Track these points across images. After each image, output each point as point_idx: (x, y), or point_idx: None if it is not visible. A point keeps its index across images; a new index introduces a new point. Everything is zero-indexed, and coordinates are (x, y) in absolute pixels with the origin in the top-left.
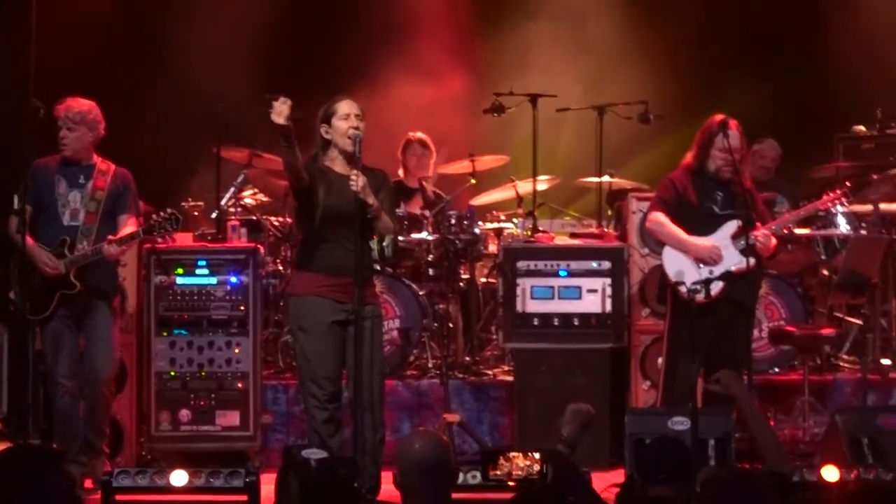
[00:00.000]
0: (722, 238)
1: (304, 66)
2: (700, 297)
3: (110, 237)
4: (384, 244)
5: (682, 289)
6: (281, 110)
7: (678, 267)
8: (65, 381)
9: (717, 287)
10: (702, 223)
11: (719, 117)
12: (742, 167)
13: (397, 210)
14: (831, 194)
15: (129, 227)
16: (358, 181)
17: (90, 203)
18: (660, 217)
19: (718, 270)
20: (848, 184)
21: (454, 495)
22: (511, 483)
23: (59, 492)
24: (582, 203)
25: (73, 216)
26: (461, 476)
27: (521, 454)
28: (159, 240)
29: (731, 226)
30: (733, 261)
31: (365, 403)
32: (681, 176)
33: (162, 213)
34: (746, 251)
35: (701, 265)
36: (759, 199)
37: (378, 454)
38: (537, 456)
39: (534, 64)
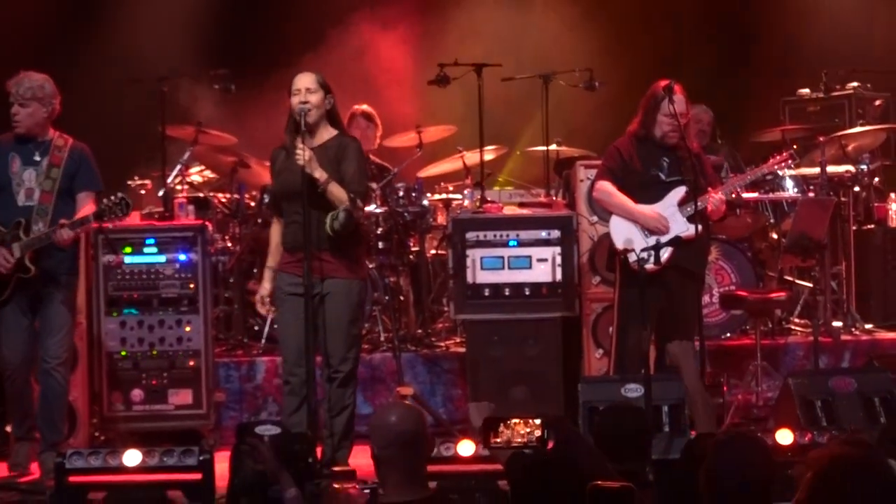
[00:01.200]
0: (669, 205)
1: (248, 39)
2: (649, 265)
3: (62, 221)
4: (332, 217)
5: (631, 257)
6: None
7: (626, 235)
8: (13, 362)
9: (665, 254)
10: (648, 190)
11: (664, 82)
12: (688, 132)
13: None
14: (777, 157)
15: (88, 205)
16: (304, 154)
17: (45, 181)
18: (606, 186)
19: (666, 238)
20: (795, 146)
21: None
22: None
23: None
24: (529, 172)
25: (28, 196)
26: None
27: (521, 421)
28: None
29: (678, 192)
30: (680, 228)
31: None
32: (626, 143)
33: (112, 198)
34: (694, 218)
35: (647, 234)
36: (707, 163)
37: (339, 425)
38: (538, 422)
39: (478, 33)
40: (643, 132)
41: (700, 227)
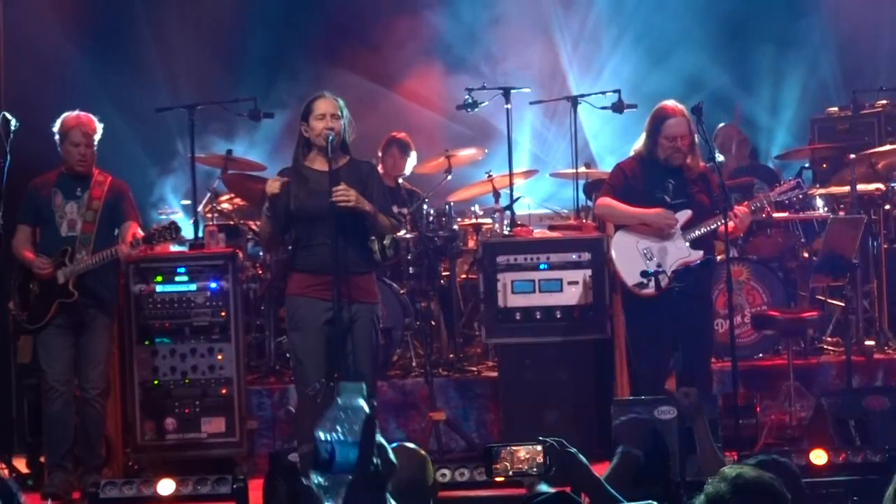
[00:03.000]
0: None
1: (276, 67)
2: (648, 290)
3: (128, 238)
4: (385, 244)
5: (630, 282)
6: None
7: (625, 259)
8: (58, 386)
9: (664, 279)
10: None
11: (666, 104)
12: (693, 153)
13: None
14: (784, 185)
15: (133, 230)
16: (349, 196)
17: (87, 213)
18: (607, 200)
19: (667, 264)
20: (824, 165)
21: (444, 494)
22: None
23: None
24: (559, 195)
25: (71, 227)
26: (449, 474)
27: (521, 447)
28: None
29: (682, 216)
30: (683, 254)
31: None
32: (631, 163)
33: (162, 224)
34: (697, 242)
35: (649, 257)
36: (714, 183)
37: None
38: (539, 448)
39: (505, 58)
40: (647, 153)
41: (701, 252)
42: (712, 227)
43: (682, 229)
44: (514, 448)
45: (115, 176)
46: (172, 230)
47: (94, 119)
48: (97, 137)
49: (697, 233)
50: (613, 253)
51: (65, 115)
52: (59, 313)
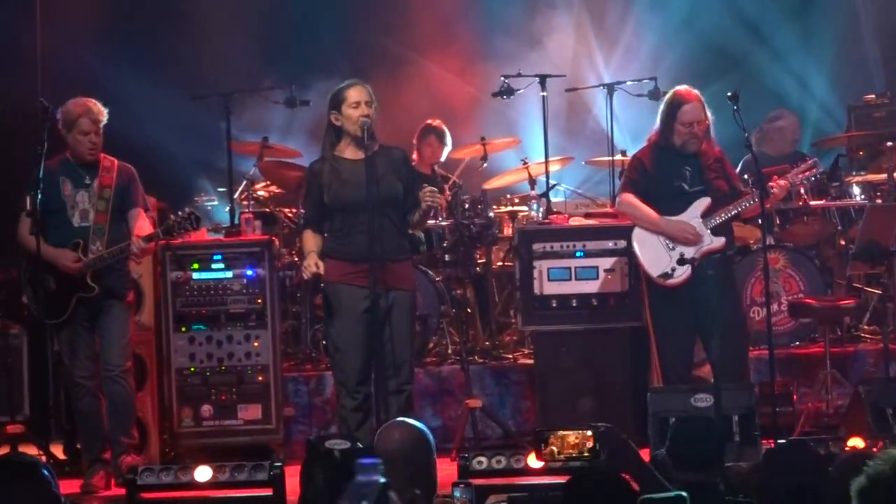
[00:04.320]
0: (692, 217)
1: (312, 50)
2: (672, 280)
3: (138, 234)
4: (436, 235)
5: (654, 273)
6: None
7: (648, 251)
8: (84, 382)
9: (686, 270)
10: (671, 201)
11: (679, 89)
12: (709, 137)
13: None
14: (802, 165)
15: (140, 219)
16: (436, 197)
17: (99, 202)
18: (630, 198)
19: (689, 252)
20: (861, 153)
21: (477, 481)
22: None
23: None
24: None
25: (84, 217)
26: (485, 461)
27: (572, 432)
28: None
29: (702, 203)
30: (706, 241)
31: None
32: (647, 153)
33: (180, 213)
34: (718, 228)
35: (671, 247)
36: (731, 168)
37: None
38: (589, 433)
39: (542, 43)
40: (663, 141)
41: (723, 239)
42: (733, 212)
43: (701, 217)
44: (564, 433)
45: (132, 160)
46: (192, 220)
47: (99, 104)
48: (104, 122)
49: (718, 219)
50: (636, 245)
51: (69, 102)
52: (78, 308)
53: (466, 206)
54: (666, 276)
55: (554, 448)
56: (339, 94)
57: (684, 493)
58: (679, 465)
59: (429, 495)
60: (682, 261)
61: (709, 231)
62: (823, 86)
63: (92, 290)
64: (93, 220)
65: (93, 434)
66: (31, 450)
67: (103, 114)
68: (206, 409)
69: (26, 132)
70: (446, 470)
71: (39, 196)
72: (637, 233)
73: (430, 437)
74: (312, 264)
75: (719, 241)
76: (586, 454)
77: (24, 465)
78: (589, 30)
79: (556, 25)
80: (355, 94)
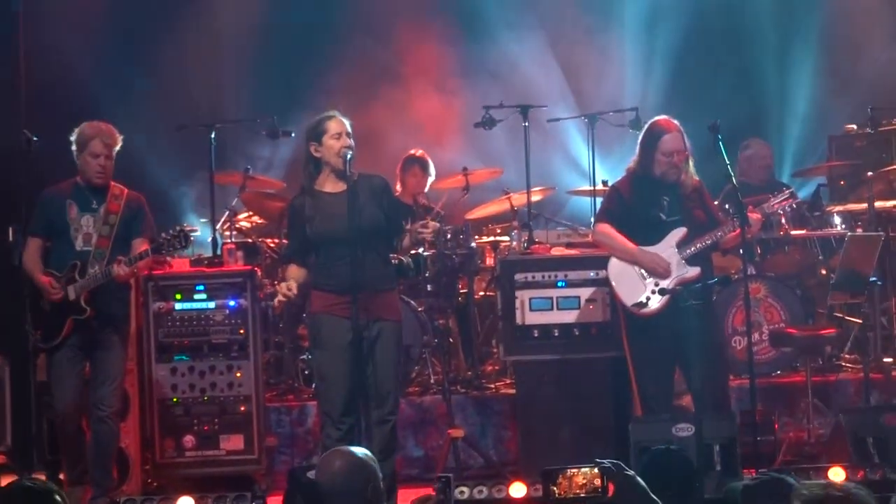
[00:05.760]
0: (667, 247)
1: (294, 81)
2: (646, 309)
3: (119, 257)
4: (422, 261)
5: (628, 302)
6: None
7: (623, 280)
8: (69, 412)
9: (658, 302)
10: (648, 231)
11: (659, 119)
12: (687, 168)
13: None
14: (779, 195)
15: (142, 247)
16: (427, 232)
17: (103, 227)
18: (606, 228)
19: (664, 282)
20: (842, 182)
21: None
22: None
23: None
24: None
25: (86, 241)
26: (467, 491)
27: (578, 470)
28: (168, 258)
29: (678, 234)
30: (681, 270)
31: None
32: (626, 183)
33: (171, 231)
34: (694, 259)
35: (646, 277)
36: (708, 198)
37: (388, 468)
38: (596, 471)
39: (521, 75)
40: (641, 171)
41: (698, 269)
42: (709, 242)
43: (677, 246)
44: (571, 472)
45: (132, 188)
46: (182, 238)
47: (114, 129)
48: (117, 149)
49: (693, 249)
50: (611, 275)
51: (83, 124)
52: (73, 332)
53: (449, 236)
54: (640, 305)
55: (563, 488)
56: (318, 125)
57: None
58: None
59: None
60: (658, 290)
61: (683, 261)
62: (804, 115)
63: (84, 311)
64: (95, 244)
65: (75, 457)
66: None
67: (116, 139)
68: (189, 439)
69: (13, 165)
70: None
71: (43, 218)
72: (612, 263)
73: (372, 463)
74: (284, 287)
75: (694, 271)
76: (594, 492)
77: (39, 492)
78: (570, 60)
79: (539, 56)
80: (336, 125)
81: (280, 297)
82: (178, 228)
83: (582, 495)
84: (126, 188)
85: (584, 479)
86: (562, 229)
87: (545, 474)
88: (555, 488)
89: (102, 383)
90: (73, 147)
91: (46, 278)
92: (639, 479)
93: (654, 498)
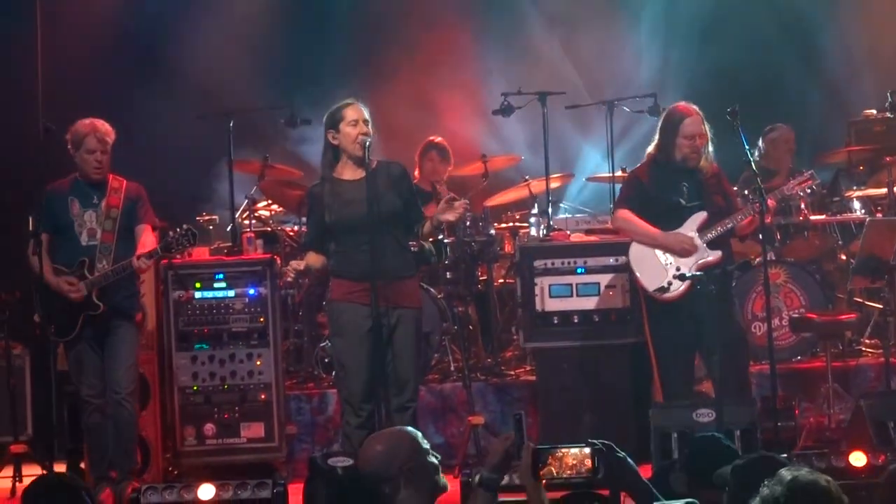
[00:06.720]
0: (687, 231)
1: (313, 68)
2: (668, 294)
3: (139, 253)
4: (445, 248)
5: (650, 287)
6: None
7: (645, 266)
8: (92, 400)
9: (683, 285)
10: (668, 216)
11: (679, 104)
12: (707, 153)
13: None
14: (798, 178)
15: (145, 235)
16: (458, 206)
17: (106, 222)
18: (626, 213)
19: (685, 266)
20: (861, 168)
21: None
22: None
23: None
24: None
25: (91, 236)
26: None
27: (569, 451)
28: (177, 256)
29: (698, 218)
30: (702, 255)
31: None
32: (645, 169)
33: (179, 230)
34: (714, 243)
35: (668, 262)
36: (727, 184)
37: None
38: (587, 451)
39: (540, 62)
40: (662, 156)
41: (719, 252)
42: (729, 226)
43: (698, 231)
44: (561, 453)
45: (136, 179)
46: (189, 236)
47: (107, 124)
48: (112, 142)
49: (713, 233)
50: (633, 260)
51: (78, 122)
52: (86, 325)
53: (468, 223)
54: (662, 290)
55: (553, 469)
56: (336, 113)
57: (696, 501)
58: (696, 482)
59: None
60: (678, 276)
61: (705, 245)
62: (823, 101)
63: (97, 307)
64: (100, 238)
65: (100, 451)
66: (35, 469)
67: (110, 133)
68: (209, 427)
69: (30, 155)
70: (448, 486)
71: (47, 216)
72: (634, 248)
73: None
74: (293, 263)
75: (715, 255)
76: (584, 473)
77: (64, 485)
78: (588, 46)
79: (555, 42)
80: (353, 112)
81: (288, 274)
82: (185, 227)
83: (573, 474)
84: (124, 180)
85: (574, 459)
86: (580, 216)
87: (535, 453)
88: (545, 469)
89: (115, 368)
90: (69, 145)
91: (64, 279)
92: (629, 460)
93: (644, 480)
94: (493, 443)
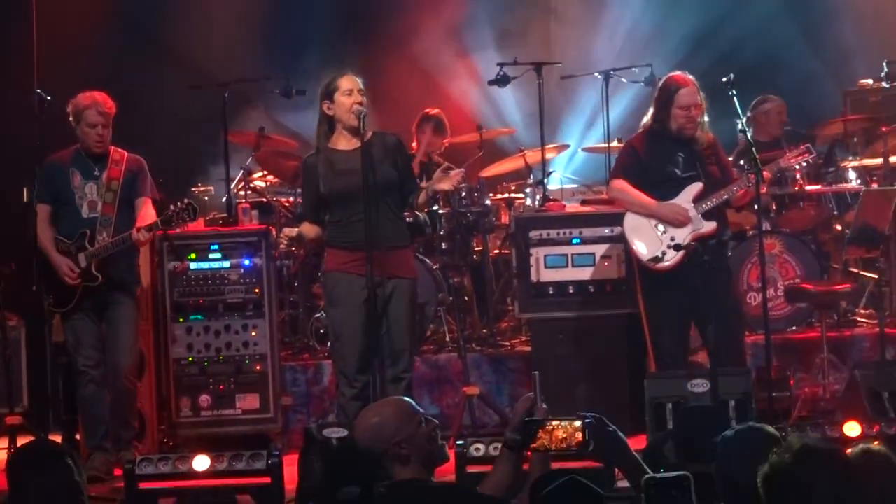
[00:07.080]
0: (683, 202)
1: (308, 39)
2: (662, 264)
3: (138, 225)
4: (436, 217)
5: (644, 258)
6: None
7: (639, 235)
8: (89, 370)
9: (677, 254)
10: (664, 187)
11: (674, 74)
12: (703, 123)
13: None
14: (794, 150)
15: (145, 208)
16: (454, 175)
17: (107, 194)
18: (621, 183)
19: (679, 236)
20: (856, 138)
21: (474, 468)
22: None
23: (59, 486)
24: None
25: (92, 208)
26: (483, 448)
27: (558, 424)
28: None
29: (694, 188)
30: (697, 225)
31: (395, 375)
32: (641, 139)
33: (179, 204)
34: (709, 213)
35: (662, 233)
36: (723, 155)
37: None
38: (577, 424)
39: (536, 32)
40: (658, 126)
41: (714, 223)
42: (724, 197)
43: (693, 201)
44: (552, 426)
45: (131, 151)
46: (190, 210)
47: (108, 97)
48: (113, 115)
49: (709, 204)
50: (627, 230)
51: (78, 94)
52: (85, 297)
53: (463, 194)
54: (656, 259)
55: (543, 443)
56: (330, 83)
57: (688, 473)
58: (684, 454)
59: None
60: (673, 245)
61: (699, 216)
62: (818, 69)
63: (96, 279)
64: (100, 210)
65: (95, 422)
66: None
67: (112, 107)
68: (205, 398)
69: (25, 126)
70: (449, 457)
71: (48, 187)
72: (629, 218)
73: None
74: (287, 230)
75: (710, 226)
76: (575, 446)
77: (48, 451)
78: (584, 17)
79: (551, 12)
80: (347, 82)
81: (282, 241)
82: (185, 201)
83: (563, 448)
84: (126, 152)
85: (564, 433)
86: (575, 186)
87: (525, 427)
88: (536, 443)
89: (116, 344)
90: (70, 117)
91: (66, 262)
92: (620, 434)
93: (634, 454)
94: (516, 404)
